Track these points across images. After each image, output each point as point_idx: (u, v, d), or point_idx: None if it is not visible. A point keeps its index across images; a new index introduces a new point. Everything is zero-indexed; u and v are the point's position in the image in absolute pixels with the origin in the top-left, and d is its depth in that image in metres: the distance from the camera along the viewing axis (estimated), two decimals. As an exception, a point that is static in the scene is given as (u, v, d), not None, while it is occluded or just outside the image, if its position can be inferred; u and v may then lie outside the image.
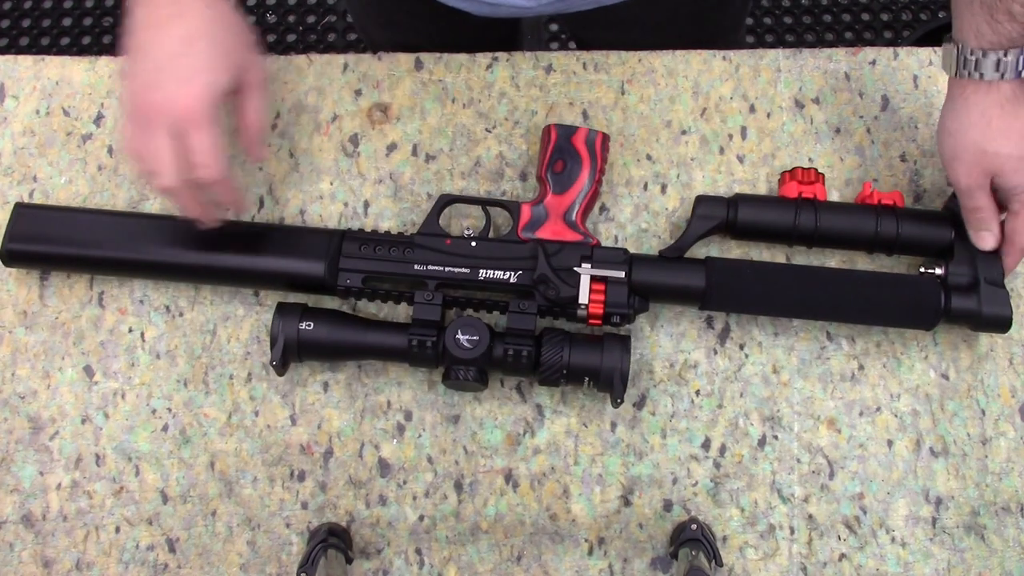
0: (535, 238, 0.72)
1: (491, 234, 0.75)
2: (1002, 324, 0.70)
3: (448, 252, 0.71)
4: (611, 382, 0.68)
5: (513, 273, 0.71)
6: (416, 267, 0.71)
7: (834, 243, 0.75)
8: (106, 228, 0.74)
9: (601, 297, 0.70)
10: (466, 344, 0.68)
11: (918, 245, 0.73)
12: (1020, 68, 0.65)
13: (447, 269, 0.71)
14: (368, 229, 0.78)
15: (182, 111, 0.61)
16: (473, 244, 0.72)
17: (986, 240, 0.71)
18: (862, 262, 0.77)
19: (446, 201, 0.74)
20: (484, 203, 0.75)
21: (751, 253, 0.77)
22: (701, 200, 0.74)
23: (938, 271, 0.72)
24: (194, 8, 0.62)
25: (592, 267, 0.70)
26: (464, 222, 0.78)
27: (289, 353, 0.69)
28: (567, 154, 0.74)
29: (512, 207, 0.73)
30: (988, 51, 0.65)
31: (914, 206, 0.78)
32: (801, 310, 0.73)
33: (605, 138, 0.75)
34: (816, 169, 0.75)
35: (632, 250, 0.75)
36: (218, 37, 0.63)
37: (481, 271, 0.71)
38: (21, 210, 0.74)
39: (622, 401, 0.68)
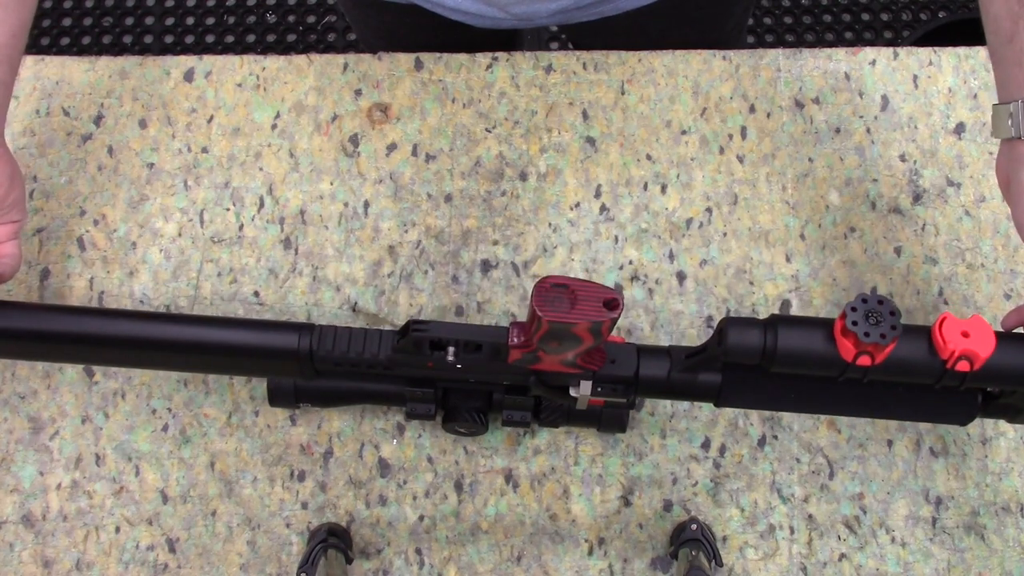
0: (528, 370, 0.60)
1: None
2: None
3: (430, 373, 0.62)
4: (612, 426, 0.68)
5: (505, 380, 0.64)
6: (397, 387, 0.66)
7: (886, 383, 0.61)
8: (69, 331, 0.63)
9: (600, 403, 0.65)
10: (464, 431, 0.69)
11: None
12: None
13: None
14: (368, 229, 0.78)
15: None
16: (459, 367, 0.60)
17: None
18: None
19: (409, 331, 0.58)
20: (463, 335, 0.59)
21: None
22: (731, 324, 0.57)
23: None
24: None
25: (592, 393, 0.61)
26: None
27: (287, 400, 0.68)
28: (564, 337, 0.54)
29: (500, 343, 0.57)
30: None
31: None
32: (824, 410, 0.67)
33: (613, 322, 0.53)
34: (899, 321, 0.55)
35: (632, 250, 0.75)
36: None
37: (470, 378, 0.63)
38: None
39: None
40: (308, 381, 0.67)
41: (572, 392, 0.61)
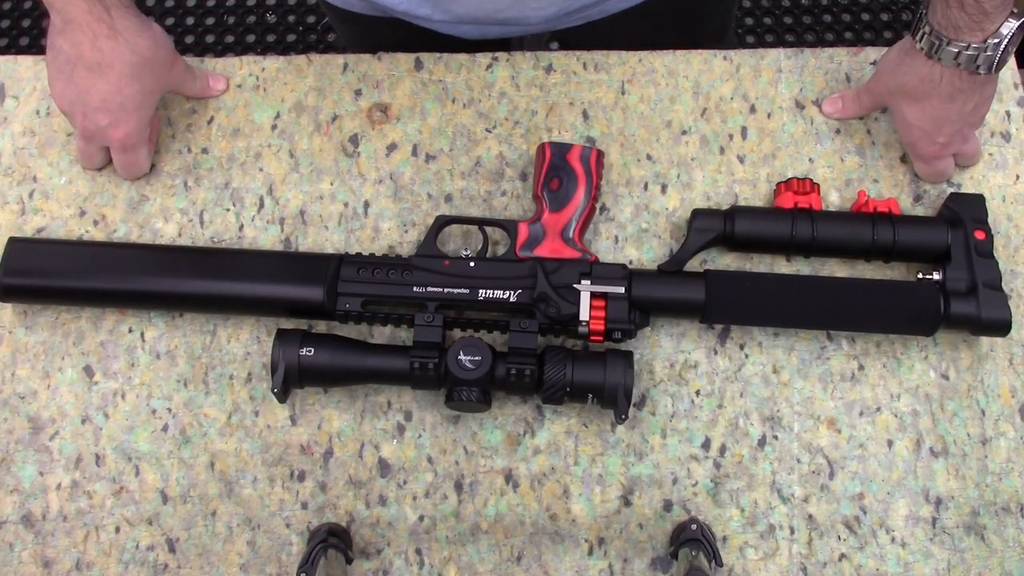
0: (533, 256, 0.72)
1: (489, 253, 0.75)
2: (1002, 328, 0.70)
3: (447, 273, 0.71)
4: (614, 398, 0.68)
5: (513, 292, 0.70)
6: (415, 289, 0.71)
7: (831, 252, 0.75)
8: (100, 260, 0.73)
9: (602, 313, 0.70)
10: (468, 364, 0.68)
11: (915, 251, 0.73)
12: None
13: (446, 290, 0.70)
14: (368, 229, 0.78)
15: (119, 140, 0.76)
16: (472, 264, 0.71)
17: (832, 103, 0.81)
18: (860, 270, 0.77)
19: (443, 222, 0.73)
20: (481, 223, 0.74)
21: (748, 263, 0.77)
22: (697, 213, 0.74)
23: (936, 276, 0.72)
24: (119, 58, 0.72)
25: (592, 283, 0.70)
26: (464, 242, 0.78)
27: (290, 380, 0.68)
28: (562, 172, 0.74)
29: (510, 226, 0.73)
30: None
31: (910, 212, 0.78)
32: (801, 320, 0.73)
33: (599, 155, 0.75)
34: (811, 179, 0.75)
35: (632, 250, 0.75)
36: (143, 78, 0.74)
37: (481, 291, 0.70)
38: (15, 244, 0.74)
39: (626, 417, 0.68)
40: (328, 306, 0.71)
41: (576, 286, 0.70)
